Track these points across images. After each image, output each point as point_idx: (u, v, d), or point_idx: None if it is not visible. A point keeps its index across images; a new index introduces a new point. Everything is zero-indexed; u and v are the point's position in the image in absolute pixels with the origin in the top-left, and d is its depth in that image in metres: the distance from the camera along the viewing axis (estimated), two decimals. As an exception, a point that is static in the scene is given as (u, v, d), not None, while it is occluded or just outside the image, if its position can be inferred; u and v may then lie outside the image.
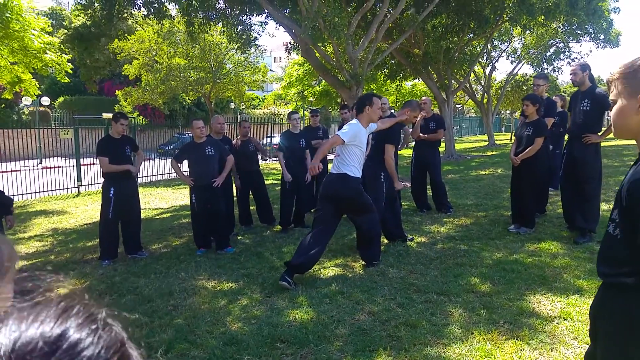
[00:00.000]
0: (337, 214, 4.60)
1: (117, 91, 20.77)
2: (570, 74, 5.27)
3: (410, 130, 7.16)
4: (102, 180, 5.96)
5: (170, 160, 6.20)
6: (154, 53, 17.93)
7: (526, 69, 28.95)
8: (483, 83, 24.05)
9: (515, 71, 23.94)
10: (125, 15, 10.43)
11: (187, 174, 5.96)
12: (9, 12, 9.62)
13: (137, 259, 5.83)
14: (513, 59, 23.15)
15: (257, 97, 42.48)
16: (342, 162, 4.44)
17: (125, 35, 17.09)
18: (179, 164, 6.03)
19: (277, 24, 11.91)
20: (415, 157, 7.28)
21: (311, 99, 24.48)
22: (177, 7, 11.49)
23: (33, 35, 10.69)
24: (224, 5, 12.32)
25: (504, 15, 13.97)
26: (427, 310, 3.62)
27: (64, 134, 15.53)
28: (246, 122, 7.29)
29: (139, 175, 15.26)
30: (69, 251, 6.76)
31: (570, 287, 3.84)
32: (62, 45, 10.17)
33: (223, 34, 15.01)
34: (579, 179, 5.13)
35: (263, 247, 5.95)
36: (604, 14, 16.54)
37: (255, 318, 3.75)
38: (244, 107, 30.80)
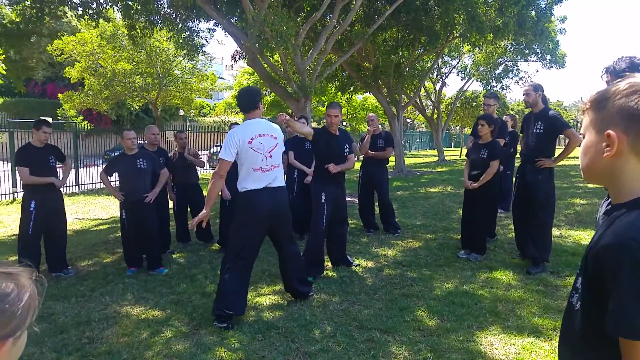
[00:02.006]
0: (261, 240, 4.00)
1: (59, 94, 19.45)
2: (523, 95, 5.08)
3: (359, 146, 6.85)
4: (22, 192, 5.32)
5: (100, 172, 5.62)
6: (97, 56, 16.90)
7: (476, 86, 29.61)
8: (433, 98, 24.36)
9: (465, 87, 24.42)
10: (60, 13, 9.60)
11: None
12: None
13: (62, 277, 5.28)
14: (463, 75, 23.61)
15: (207, 104, 41.52)
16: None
17: (62, 35, 15.98)
18: (108, 177, 5.46)
19: (224, 31, 11.38)
20: (362, 174, 6.94)
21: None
22: (117, 9, 10.77)
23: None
24: (168, 10, 11.69)
25: (455, 32, 14.10)
26: (369, 351, 3.22)
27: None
28: (182, 133, 6.74)
29: (80, 183, 14.39)
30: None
31: (525, 326, 3.53)
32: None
33: (169, 40, 14.27)
34: (532, 204, 4.91)
35: (198, 268, 5.45)
36: (551, 34, 17.03)
37: (178, 356, 3.28)
38: (192, 114, 29.91)
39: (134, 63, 17.18)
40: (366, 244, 6.19)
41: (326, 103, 27.02)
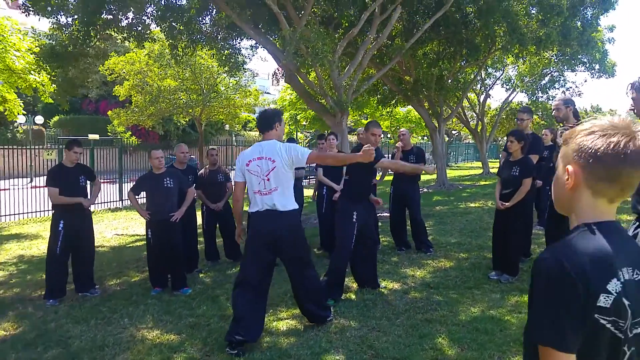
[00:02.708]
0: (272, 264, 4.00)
1: (108, 112, 20.48)
2: (553, 109, 4.87)
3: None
4: (52, 211, 5.53)
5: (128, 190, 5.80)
6: (144, 74, 17.68)
7: (521, 97, 28.73)
8: (477, 110, 23.77)
9: (510, 99, 23.70)
10: (105, 36, 10.13)
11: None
12: None
13: (87, 297, 5.40)
14: (508, 87, 22.93)
15: (253, 119, 42.40)
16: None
17: (112, 55, 16.84)
18: (136, 196, 5.63)
19: (263, 49, 11.60)
20: (393, 191, 6.84)
21: (304, 122, 24.19)
22: (160, 30, 11.22)
23: (15, 56, 10.41)
24: (210, 29, 12.06)
25: (497, 44, 13.74)
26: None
27: (48, 154, 15.20)
28: (214, 150, 6.87)
29: (124, 198, 14.96)
30: (22, 285, 6.27)
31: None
32: (40, 62, 9.84)
33: (213, 57, 14.71)
34: (564, 222, 4.66)
35: (222, 288, 5.48)
36: (597, 44, 16.32)
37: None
38: (237, 128, 30.60)
39: (180, 80, 17.80)
40: (395, 264, 6.06)
41: (369, 116, 26.96)
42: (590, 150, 1.11)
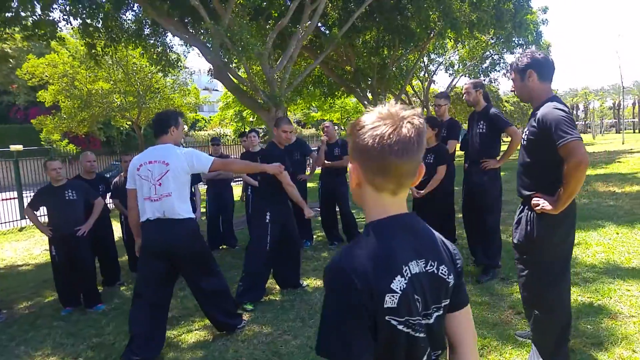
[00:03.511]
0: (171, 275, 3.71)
1: (31, 120, 19.27)
2: (464, 93, 4.78)
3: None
4: None
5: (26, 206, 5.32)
6: (71, 78, 16.69)
7: (465, 81, 29.20)
8: (422, 97, 24.03)
9: (453, 83, 24.06)
10: (6, 36, 9.35)
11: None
12: None
13: None
14: (451, 72, 23.26)
15: (203, 118, 41.38)
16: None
17: (29, 57, 15.68)
18: (34, 212, 5.17)
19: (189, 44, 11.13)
20: (322, 186, 6.65)
21: (251, 119, 23.71)
22: (72, 28, 10.55)
23: None
24: (132, 26, 11.43)
25: (431, 29, 13.79)
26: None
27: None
28: (127, 157, 6.44)
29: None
30: None
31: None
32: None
33: (143, 56, 14.05)
34: (478, 209, 4.61)
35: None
36: (530, 26, 16.70)
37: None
38: (185, 129, 29.66)
39: (112, 82, 16.96)
40: (325, 260, 5.89)
41: (318, 109, 26.79)
42: (361, 146, 1.08)
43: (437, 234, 1.20)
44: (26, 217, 5.23)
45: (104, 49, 10.69)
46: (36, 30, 9.09)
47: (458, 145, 5.39)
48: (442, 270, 1.14)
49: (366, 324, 1.03)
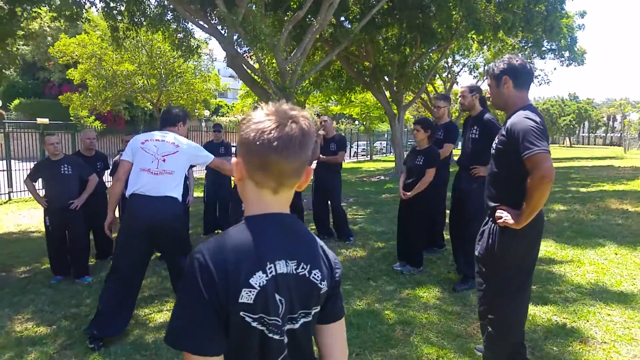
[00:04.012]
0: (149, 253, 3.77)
1: (59, 96, 19.82)
2: (459, 97, 4.70)
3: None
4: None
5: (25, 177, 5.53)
6: (99, 58, 17.10)
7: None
8: (444, 98, 23.64)
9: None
10: (34, 14, 9.64)
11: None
12: None
13: None
14: (476, 74, 22.85)
15: (226, 104, 41.77)
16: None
17: (62, 36, 16.16)
18: (33, 183, 5.37)
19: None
20: (315, 180, 6.66)
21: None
22: (96, 10, 10.77)
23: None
24: (155, 11, 11.60)
25: (453, 30, 13.54)
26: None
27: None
28: (128, 136, 6.57)
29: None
30: None
31: (408, 355, 3.19)
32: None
33: (165, 41, 14.25)
34: (464, 216, 4.53)
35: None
36: (563, 30, 16.17)
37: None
38: (208, 114, 29.97)
39: (137, 64, 17.28)
40: (309, 253, 5.89)
41: (338, 103, 26.64)
42: (244, 140, 1.07)
43: (319, 240, 1.19)
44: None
45: (125, 32, 10.87)
46: (63, 11, 9.31)
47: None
48: (314, 275, 1.12)
49: (217, 316, 1.01)
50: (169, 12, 11.75)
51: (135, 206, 3.48)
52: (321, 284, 1.13)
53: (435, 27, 12.66)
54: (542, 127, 2.39)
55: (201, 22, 10.14)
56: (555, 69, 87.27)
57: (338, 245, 6.22)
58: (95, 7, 10.51)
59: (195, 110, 19.64)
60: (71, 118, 23.97)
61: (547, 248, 5.71)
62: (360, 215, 8.71)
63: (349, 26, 13.53)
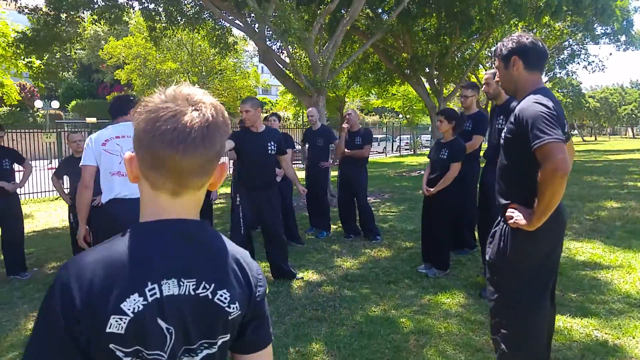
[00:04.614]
0: None
1: (107, 96, 20.60)
2: (483, 84, 4.32)
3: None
4: None
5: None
6: (144, 58, 17.58)
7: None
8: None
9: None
10: (77, 19, 9.93)
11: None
12: None
13: (17, 280, 5.27)
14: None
15: (269, 101, 42.07)
16: None
17: (110, 39, 16.73)
18: (59, 180, 5.46)
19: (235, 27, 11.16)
20: (339, 175, 6.41)
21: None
22: (133, 11, 10.97)
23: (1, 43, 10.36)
24: (193, 9, 11.70)
25: (493, 16, 12.83)
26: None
27: (47, 137, 15.35)
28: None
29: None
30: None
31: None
32: (13, 48, 9.72)
33: (203, 39, 14.41)
34: (492, 213, 4.15)
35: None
36: (615, 12, 15.02)
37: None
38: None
39: (178, 62, 17.62)
40: (332, 253, 5.67)
41: (378, 96, 26.12)
42: (136, 132, 0.89)
43: (234, 251, 0.97)
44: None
45: (162, 31, 11.02)
46: (103, 14, 9.53)
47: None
48: (221, 296, 0.91)
49: (77, 349, 0.82)
50: (206, 10, 11.83)
51: (115, 211, 3.27)
52: (230, 308, 0.92)
53: (474, 15, 12.06)
54: (556, 112, 2.05)
55: (233, 19, 10.09)
56: (610, 54, 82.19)
57: (363, 245, 5.96)
58: (133, 9, 10.68)
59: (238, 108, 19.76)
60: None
61: (593, 250, 5.20)
62: (392, 212, 8.39)
63: (386, 17, 13.13)
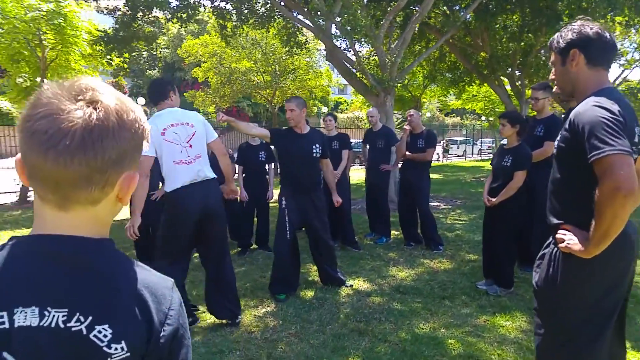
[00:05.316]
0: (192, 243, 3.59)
1: (184, 93, 21.60)
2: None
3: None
4: None
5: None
6: (219, 57, 18.17)
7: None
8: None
9: (624, 75, 20.54)
10: (152, 18, 10.39)
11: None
12: (62, 18, 10.01)
13: None
14: (622, 61, 19.83)
15: (345, 100, 42.06)
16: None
17: (188, 37, 17.42)
18: None
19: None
20: (400, 179, 6.10)
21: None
22: (204, 10, 11.30)
23: (85, 40, 11.12)
24: (262, 8, 11.84)
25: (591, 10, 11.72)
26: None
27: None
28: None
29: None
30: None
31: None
32: (97, 46, 10.34)
33: (275, 37, 14.60)
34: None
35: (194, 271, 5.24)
36: None
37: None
38: (313, 111, 30.41)
39: (253, 61, 18.01)
40: (388, 261, 5.39)
41: (457, 96, 25.11)
42: (18, 133, 0.77)
43: (140, 280, 0.79)
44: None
45: (233, 29, 11.24)
46: (177, 13, 9.90)
47: None
48: (99, 332, 0.73)
49: None
50: (276, 8, 11.93)
51: (181, 198, 3.31)
52: (110, 348, 0.73)
53: (562, 9, 11.08)
54: (622, 118, 1.67)
55: (300, 17, 10.05)
56: None
57: (423, 255, 5.62)
58: (204, 8, 10.99)
59: (314, 107, 19.90)
60: (200, 114, 25.99)
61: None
62: (461, 220, 7.91)
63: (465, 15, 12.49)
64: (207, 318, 3.81)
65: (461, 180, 15.05)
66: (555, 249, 1.92)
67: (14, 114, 17.51)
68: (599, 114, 1.70)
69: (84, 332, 0.73)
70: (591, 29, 1.88)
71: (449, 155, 27.41)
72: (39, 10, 9.39)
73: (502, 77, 14.57)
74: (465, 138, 30.96)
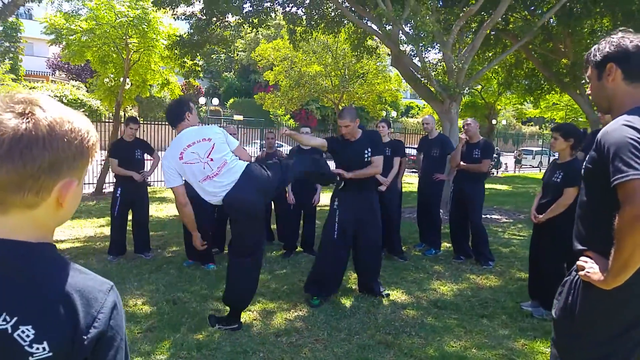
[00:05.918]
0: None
1: (254, 95, 22.20)
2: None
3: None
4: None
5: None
6: (290, 61, 18.56)
7: None
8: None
9: None
10: (225, 22, 10.83)
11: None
12: (146, 23, 10.79)
13: (140, 258, 5.84)
14: None
15: (417, 105, 41.33)
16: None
17: (262, 41, 17.90)
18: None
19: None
20: (454, 190, 5.89)
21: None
22: (281, 15, 11.58)
23: (163, 44, 11.84)
24: (332, 13, 11.96)
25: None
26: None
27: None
28: (271, 133, 6.79)
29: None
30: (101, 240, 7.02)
31: None
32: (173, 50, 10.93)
33: (346, 41, 14.67)
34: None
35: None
36: None
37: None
38: (395, 115, 30.09)
39: (323, 65, 18.21)
40: (432, 274, 5.24)
41: (533, 105, 23.79)
42: None
43: (70, 284, 0.83)
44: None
45: (302, 34, 11.45)
46: (249, 18, 10.27)
47: None
48: (22, 332, 0.78)
49: None
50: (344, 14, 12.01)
51: (233, 199, 3.45)
52: (32, 347, 0.78)
53: (635, 9, 10.17)
54: None
55: (357, 19, 10.00)
56: None
57: (471, 270, 5.40)
58: (275, 13, 11.28)
59: (382, 111, 19.77)
60: (270, 115, 26.70)
61: None
62: (520, 236, 7.50)
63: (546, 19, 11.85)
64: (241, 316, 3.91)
65: (530, 193, 14.26)
66: (577, 276, 1.79)
67: (102, 110, 19.04)
68: (627, 134, 1.57)
69: (9, 330, 0.78)
70: (631, 41, 1.72)
71: (522, 166, 26.02)
72: (128, 17, 10.17)
73: (584, 86, 13.63)
74: (541, 149, 29.27)
